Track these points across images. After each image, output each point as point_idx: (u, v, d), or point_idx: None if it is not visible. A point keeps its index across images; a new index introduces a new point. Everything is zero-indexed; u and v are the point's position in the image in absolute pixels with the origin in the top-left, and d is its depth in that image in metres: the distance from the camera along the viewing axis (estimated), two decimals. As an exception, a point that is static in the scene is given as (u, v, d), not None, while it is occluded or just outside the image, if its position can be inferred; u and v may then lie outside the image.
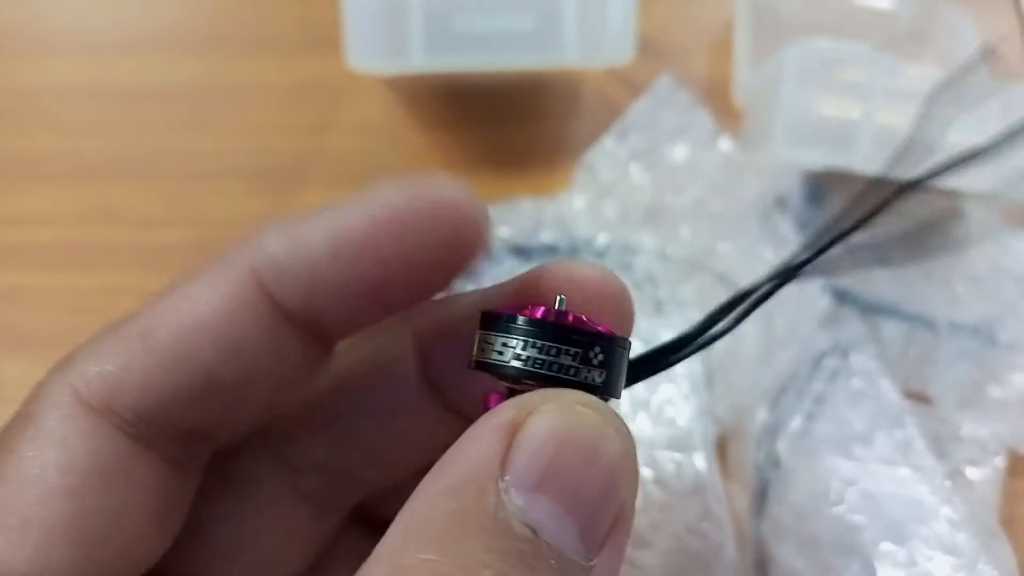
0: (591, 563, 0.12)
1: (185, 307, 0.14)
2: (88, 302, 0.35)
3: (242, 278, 0.14)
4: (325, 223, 0.14)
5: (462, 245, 0.14)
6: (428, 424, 0.17)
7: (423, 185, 0.14)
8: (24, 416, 0.14)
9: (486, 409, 0.13)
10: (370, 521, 0.19)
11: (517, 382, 0.14)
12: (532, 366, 0.13)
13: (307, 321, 0.15)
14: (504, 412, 0.12)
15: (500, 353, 0.13)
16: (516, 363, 0.13)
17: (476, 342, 0.14)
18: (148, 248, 0.36)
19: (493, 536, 0.11)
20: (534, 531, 0.11)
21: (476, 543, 0.11)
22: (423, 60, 0.34)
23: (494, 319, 0.14)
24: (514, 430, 0.12)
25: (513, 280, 0.16)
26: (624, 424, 0.13)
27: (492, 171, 0.38)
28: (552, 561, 0.11)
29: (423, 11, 0.33)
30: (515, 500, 0.12)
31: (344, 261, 0.14)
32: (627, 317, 0.16)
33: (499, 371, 0.14)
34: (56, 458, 0.14)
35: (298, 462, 0.17)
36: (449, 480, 0.12)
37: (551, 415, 0.12)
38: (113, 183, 0.38)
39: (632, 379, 0.15)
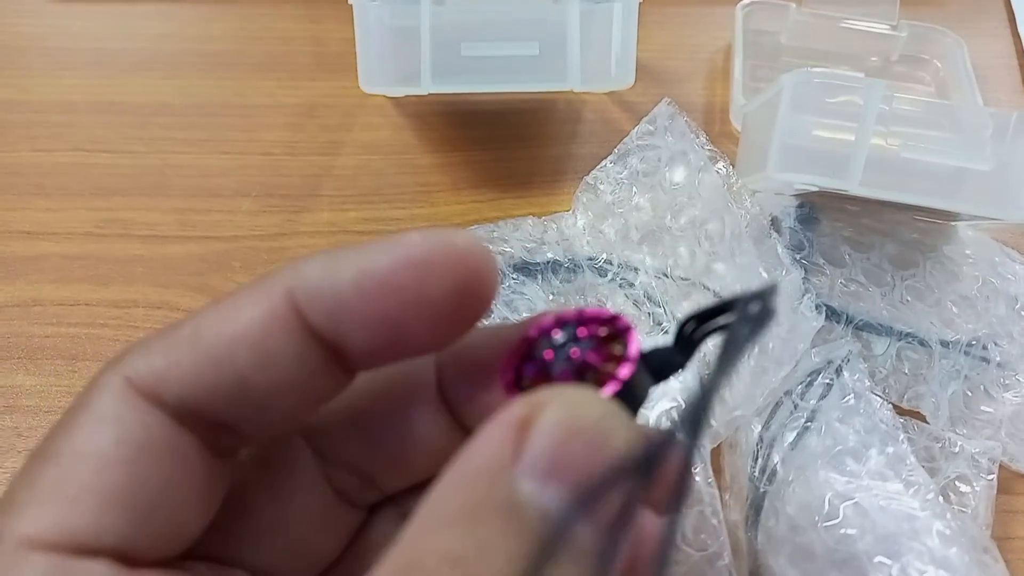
0: (605, 545, 0.12)
1: (228, 317, 0.16)
2: (100, 314, 0.35)
3: (279, 297, 0.16)
4: (355, 258, 0.16)
5: (474, 293, 0.16)
6: (442, 437, 0.19)
7: (443, 236, 0.16)
8: (78, 404, 0.16)
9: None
10: (386, 518, 0.20)
11: None
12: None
13: (332, 344, 0.16)
14: (514, 409, 0.13)
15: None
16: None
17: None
18: (161, 262, 0.37)
19: (507, 520, 0.12)
20: (547, 515, 0.12)
21: (491, 527, 0.12)
22: (432, 84, 0.35)
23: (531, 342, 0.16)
24: (524, 424, 0.13)
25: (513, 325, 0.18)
26: (629, 416, 0.14)
27: (497, 191, 0.39)
28: (563, 547, 0.12)
29: (432, 38, 0.34)
30: (527, 487, 0.12)
31: (366, 294, 0.15)
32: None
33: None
34: (111, 433, 0.15)
35: (332, 458, 0.18)
36: (465, 471, 0.13)
37: (558, 409, 0.13)
38: (126, 198, 0.38)
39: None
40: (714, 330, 0.15)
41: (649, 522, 0.16)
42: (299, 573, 0.18)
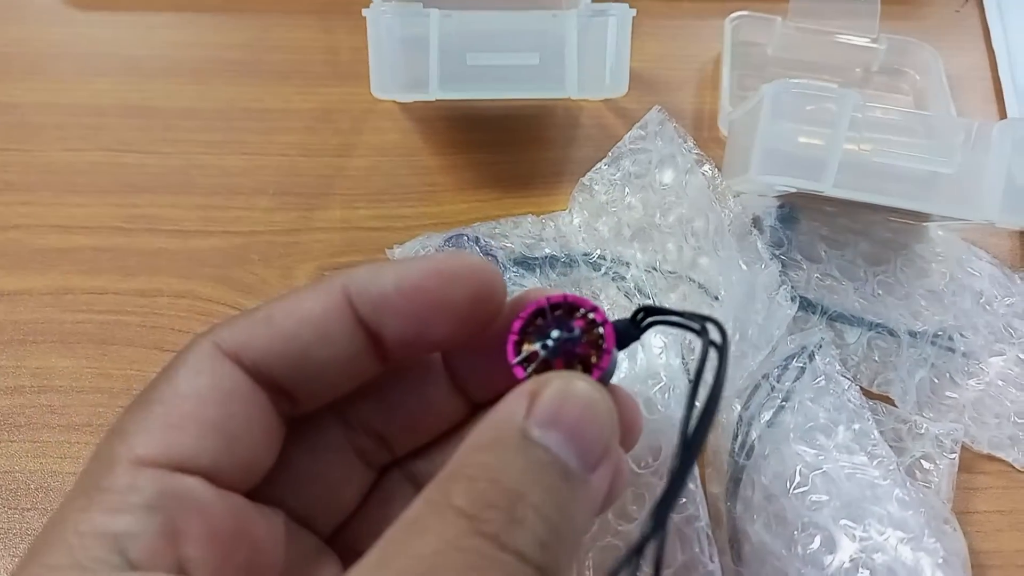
0: (587, 478, 0.18)
1: (297, 304, 0.20)
2: (128, 303, 0.38)
3: (337, 291, 0.20)
4: (396, 267, 0.20)
5: (485, 300, 0.20)
6: (446, 404, 0.23)
7: (463, 255, 0.21)
8: (173, 364, 0.19)
9: (515, 379, 0.20)
10: (392, 480, 0.24)
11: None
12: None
13: (374, 332, 0.20)
14: (527, 384, 0.18)
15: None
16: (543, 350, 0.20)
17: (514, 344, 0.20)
18: (184, 255, 0.39)
19: (520, 450, 0.17)
20: (548, 449, 0.17)
21: (510, 453, 0.17)
22: (440, 91, 0.37)
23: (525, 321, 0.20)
24: (534, 394, 0.18)
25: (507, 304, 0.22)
26: (607, 394, 0.19)
27: (499, 191, 0.41)
28: (560, 470, 0.17)
29: (440, 48, 0.37)
30: (536, 431, 0.17)
31: (404, 294, 0.20)
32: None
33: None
34: (207, 379, 0.19)
35: (355, 422, 0.23)
36: (494, 419, 0.18)
37: (558, 384, 0.18)
38: (152, 195, 0.41)
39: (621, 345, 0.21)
40: (658, 323, 0.21)
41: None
42: (325, 518, 0.22)
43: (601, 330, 0.20)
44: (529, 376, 0.20)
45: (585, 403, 0.18)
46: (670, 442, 0.28)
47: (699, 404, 0.18)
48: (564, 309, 0.21)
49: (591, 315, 0.20)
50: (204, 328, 0.20)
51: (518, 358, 0.20)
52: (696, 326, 0.20)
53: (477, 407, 0.24)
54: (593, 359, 0.20)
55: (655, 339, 0.30)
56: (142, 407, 0.19)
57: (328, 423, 0.22)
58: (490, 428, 0.18)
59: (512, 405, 0.18)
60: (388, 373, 0.23)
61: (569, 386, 0.18)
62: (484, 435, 0.18)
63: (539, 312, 0.21)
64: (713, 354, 0.19)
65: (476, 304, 0.20)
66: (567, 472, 0.17)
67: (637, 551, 0.17)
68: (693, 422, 0.18)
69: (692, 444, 0.18)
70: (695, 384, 0.19)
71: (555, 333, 0.20)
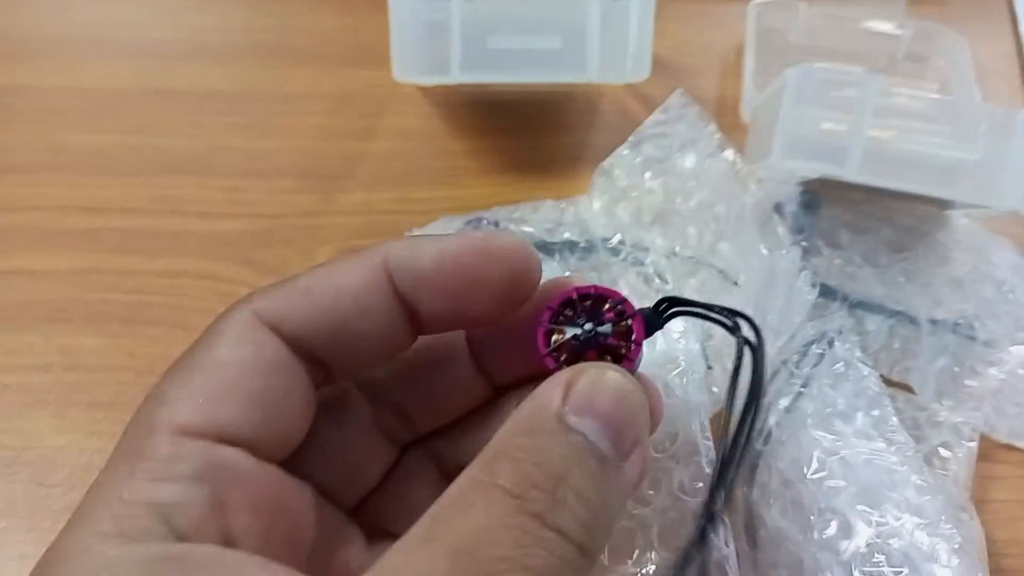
0: (620, 465, 0.18)
1: (336, 275, 0.20)
2: (153, 283, 0.38)
3: (376, 265, 0.20)
4: (435, 243, 0.21)
5: (521, 280, 0.21)
6: (469, 384, 0.24)
7: (502, 235, 0.21)
8: (214, 331, 0.20)
9: (545, 367, 0.20)
10: (413, 457, 0.24)
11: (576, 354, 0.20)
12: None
13: (411, 305, 0.21)
14: (562, 374, 0.19)
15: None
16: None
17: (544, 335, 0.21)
18: (208, 236, 0.40)
19: (557, 436, 0.18)
20: (585, 435, 0.18)
21: (547, 438, 0.18)
22: (461, 75, 0.37)
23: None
24: (569, 383, 0.19)
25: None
26: (639, 385, 0.19)
27: (519, 175, 0.42)
28: (594, 457, 0.18)
29: (461, 31, 0.37)
30: (572, 418, 0.18)
31: (442, 269, 0.20)
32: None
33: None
34: (248, 349, 0.19)
35: (381, 399, 0.23)
36: (532, 406, 0.18)
37: (592, 374, 0.19)
38: (176, 177, 0.41)
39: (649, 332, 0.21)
40: (681, 314, 0.21)
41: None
42: (350, 491, 0.22)
43: (630, 322, 0.21)
44: (560, 367, 0.20)
45: (618, 393, 0.19)
46: (687, 427, 0.29)
47: (734, 417, 0.19)
48: (593, 300, 0.21)
49: (620, 307, 0.21)
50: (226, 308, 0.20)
51: (549, 348, 0.21)
52: (727, 321, 0.20)
53: (499, 390, 0.24)
54: (623, 351, 0.21)
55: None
56: (182, 373, 0.19)
57: (355, 399, 0.23)
58: (528, 414, 0.18)
59: (548, 392, 0.18)
60: (415, 352, 0.23)
61: (602, 376, 0.19)
62: (523, 420, 0.18)
63: (568, 302, 0.21)
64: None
65: (513, 283, 0.21)
66: (603, 458, 0.18)
67: (680, 569, 0.18)
68: (731, 429, 0.19)
69: (731, 459, 0.19)
70: (731, 390, 0.19)
71: (586, 325, 0.21)
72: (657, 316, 0.21)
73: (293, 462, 0.20)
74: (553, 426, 0.18)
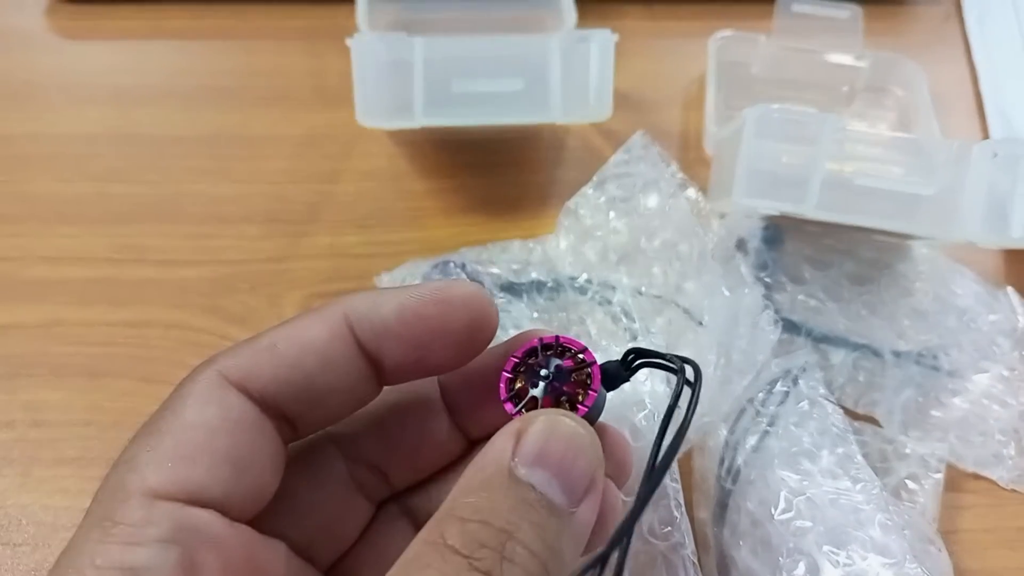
0: (573, 511, 0.18)
1: (299, 331, 0.21)
2: (118, 334, 0.38)
3: (338, 319, 0.21)
4: (395, 295, 0.21)
5: (477, 326, 0.21)
6: (444, 437, 0.24)
7: (458, 284, 0.22)
8: (180, 394, 0.20)
9: (507, 414, 0.21)
10: (390, 513, 0.24)
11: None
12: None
13: (374, 358, 0.21)
14: (512, 425, 0.19)
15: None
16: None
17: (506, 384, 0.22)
18: (173, 285, 0.39)
19: (508, 490, 0.18)
20: (534, 487, 0.18)
21: (498, 493, 0.18)
22: (424, 118, 0.37)
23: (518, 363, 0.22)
24: (520, 433, 0.19)
25: (502, 344, 0.23)
26: (591, 430, 0.20)
27: (485, 215, 0.42)
28: (545, 506, 0.18)
29: (424, 75, 0.37)
30: (522, 470, 0.18)
31: (404, 321, 0.21)
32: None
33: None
34: (215, 411, 0.19)
35: (356, 455, 0.23)
36: (480, 462, 0.19)
37: (543, 421, 0.19)
38: (140, 225, 0.41)
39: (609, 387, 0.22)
40: (647, 365, 0.22)
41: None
42: (325, 549, 0.23)
43: (590, 370, 0.21)
44: (520, 412, 0.21)
45: (568, 439, 0.19)
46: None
47: (668, 438, 0.19)
48: (556, 350, 0.22)
49: (580, 355, 0.21)
50: (195, 359, 0.20)
51: (509, 394, 0.21)
52: (674, 365, 0.20)
53: (474, 443, 0.24)
54: (580, 397, 0.21)
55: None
56: (151, 437, 0.19)
57: (330, 455, 0.23)
58: (479, 469, 0.19)
59: (499, 445, 0.19)
60: (389, 408, 0.23)
61: (552, 423, 0.19)
62: (474, 477, 0.19)
63: (532, 351, 0.22)
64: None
65: (472, 329, 0.21)
66: (553, 508, 0.18)
67: (596, 564, 0.18)
68: (663, 450, 0.19)
69: (658, 469, 0.19)
70: (662, 428, 0.20)
71: (543, 372, 0.21)
72: (625, 367, 0.22)
73: (266, 520, 0.20)
74: (503, 481, 0.18)
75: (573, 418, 0.20)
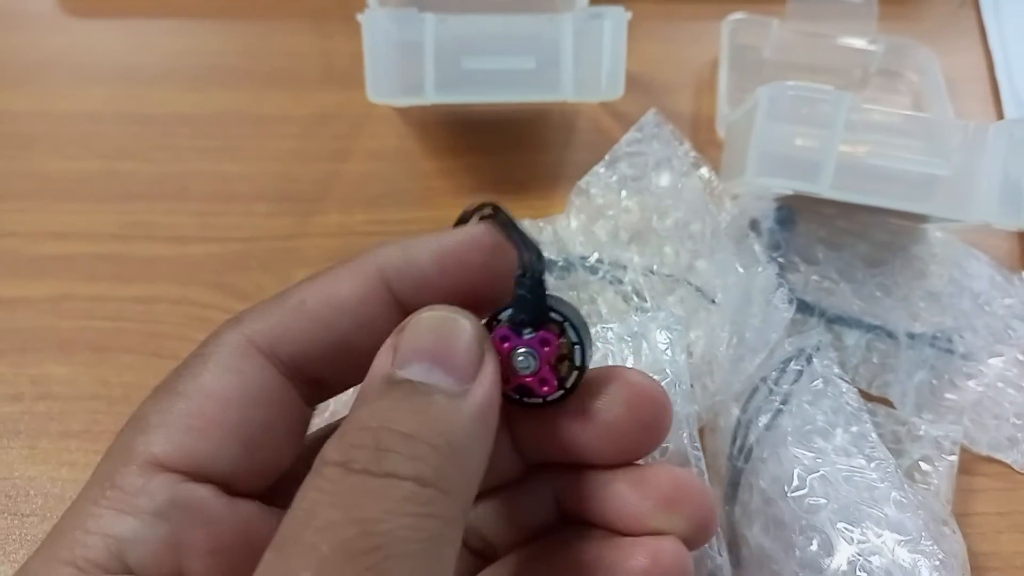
0: (464, 389, 0.17)
1: (331, 288, 0.20)
2: (126, 310, 0.38)
3: (373, 273, 0.20)
4: (429, 242, 0.20)
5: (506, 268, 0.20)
6: (503, 461, 0.22)
7: (491, 231, 0.20)
8: (200, 355, 0.19)
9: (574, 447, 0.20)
10: None
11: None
12: None
13: (411, 311, 0.19)
14: (390, 339, 0.18)
15: None
16: None
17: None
18: (181, 262, 0.39)
19: (385, 392, 0.17)
20: (411, 381, 0.17)
21: (375, 399, 0.17)
22: (435, 95, 0.37)
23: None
24: (394, 345, 0.18)
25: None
26: (464, 311, 0.19)
27: (496, 195, 0.41)
28: (427, 394, 0.17)
29: (435, 53, 0.37)
30: (398, 372, 0.17)
31: (444, 268, 0.20)
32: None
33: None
34: (233, 381, 0.18)
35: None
36: (363, 383, 0.18)
37: (411, 322, 0.18)
38: (148, 202, 0.41)
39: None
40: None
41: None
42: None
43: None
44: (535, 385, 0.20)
45: (438, 325, 0.18)
46: (677, 438, 0.28)
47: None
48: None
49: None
50: (202, 335, 0.19)
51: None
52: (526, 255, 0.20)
53: (532, 468, 0.23)
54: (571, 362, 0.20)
55: (660, 335, 0.30)
56: (167, 397, 0.18)
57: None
58: (361, 388, 0.18)
59: (379, 361, 0.18)
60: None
61: (419, 320, 0.18)
62: (357, 400, 0.18)
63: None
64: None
65: (504, 272, 0.20)
66: (440, 392, 0.17)
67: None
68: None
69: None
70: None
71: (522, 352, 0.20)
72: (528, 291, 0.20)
73: (281, 491, 0.19)
74: (381, 387, 0.17)
75: (443, 308, 0.18)
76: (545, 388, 0.20)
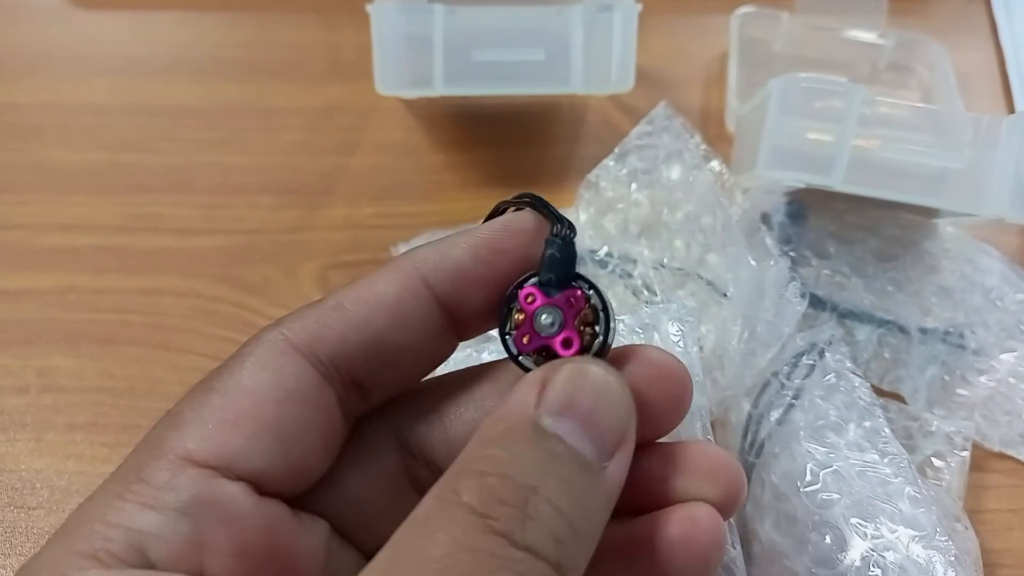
0: (604, 465, 0.17)
1: (368, 289, 0.19)
2: (131, 302, 0.38)
3: (409, 271, 0.20)
4: (462, 237, 0.20)
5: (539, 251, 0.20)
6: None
7: (521, 216, 0.21)
8: (239, 354, 0.19)
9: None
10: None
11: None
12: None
13: (452, 309, 0.20)
14: (536, 373, 0.18)
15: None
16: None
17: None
18: (186, 254, 0.39)
19: (532, 442, 0.17)
20: (561, 439, 0.17)
21: (521, 446, 0.17)
22: (444, 87, 0.37)
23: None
24: (543, 382, 0.18)
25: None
26: (621, 377, 0.18)
27: (504, 189, 0.41)
28: (574, 460, 0.17)
29: (444, 44, 0.36)
30: (547, 420, 0.17)
31: (481, 259, 0.20)
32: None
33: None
34: (269, 377, 0.18)
35: (415, 450, 0.21)
36: (501, 413, 0.18)
37: (570, 368, 0.18)
38: (155, 194, 0.41)
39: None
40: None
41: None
42: (369, 536, 0.21)
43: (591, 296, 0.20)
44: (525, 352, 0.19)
45: (598, 388, 0.18)
46: (690, 430, 0.28)
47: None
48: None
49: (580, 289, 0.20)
50: (208, 327, 0.19)
51: (510, 329, 0.20)
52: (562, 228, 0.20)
53: None
54: (589, 336, 0.19)
55: (672, 327, 0.30)
56: (202, 394, 0.18)
57: (386, 449, 0.21)
58: (500, 420, 0.17)
59: (522, 395, 0.17)
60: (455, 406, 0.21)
61: (580, 371, 0.18)
62: (494, 427, 0.17)
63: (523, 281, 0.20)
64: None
65: (533, 251, 0.20)
66: (582, 462, 0.17)
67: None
68: None
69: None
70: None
71: (546, 317, 0.19)
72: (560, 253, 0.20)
73: (312, 497, 0.19)
74: (526, 432, 0.17)
75: (602, 366, 0.18)
76: (568, 351, 0.19)
